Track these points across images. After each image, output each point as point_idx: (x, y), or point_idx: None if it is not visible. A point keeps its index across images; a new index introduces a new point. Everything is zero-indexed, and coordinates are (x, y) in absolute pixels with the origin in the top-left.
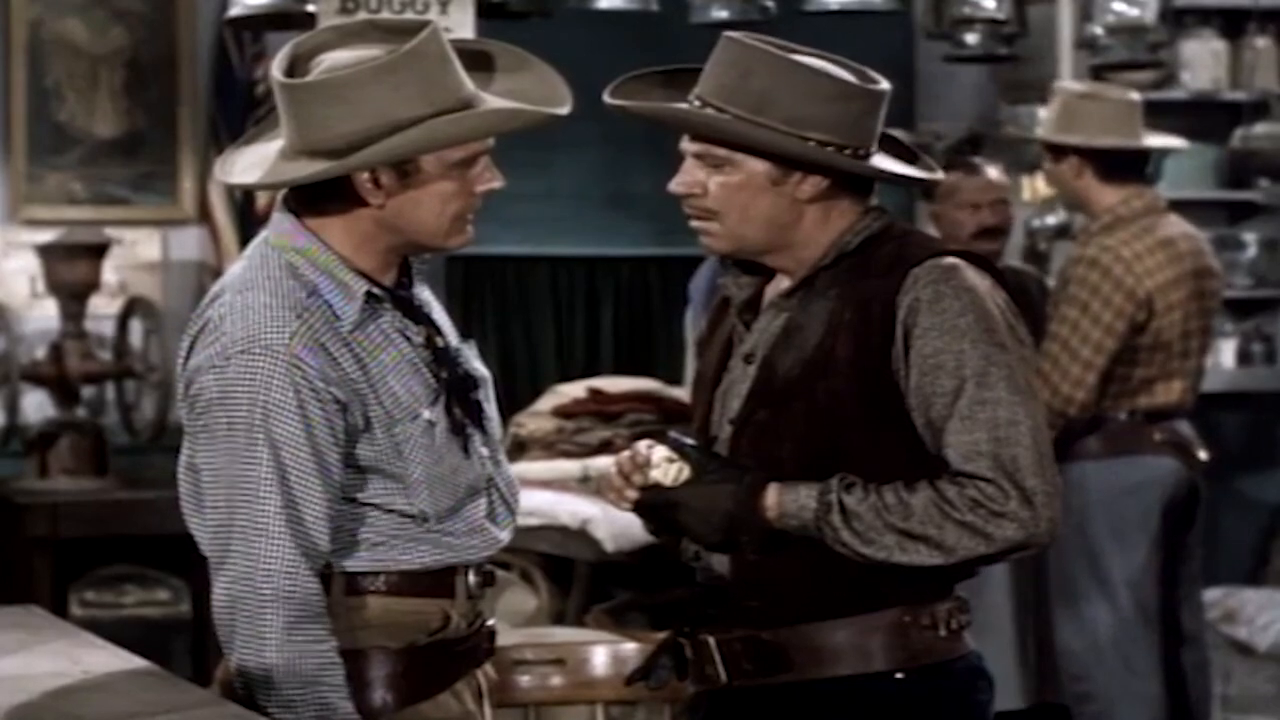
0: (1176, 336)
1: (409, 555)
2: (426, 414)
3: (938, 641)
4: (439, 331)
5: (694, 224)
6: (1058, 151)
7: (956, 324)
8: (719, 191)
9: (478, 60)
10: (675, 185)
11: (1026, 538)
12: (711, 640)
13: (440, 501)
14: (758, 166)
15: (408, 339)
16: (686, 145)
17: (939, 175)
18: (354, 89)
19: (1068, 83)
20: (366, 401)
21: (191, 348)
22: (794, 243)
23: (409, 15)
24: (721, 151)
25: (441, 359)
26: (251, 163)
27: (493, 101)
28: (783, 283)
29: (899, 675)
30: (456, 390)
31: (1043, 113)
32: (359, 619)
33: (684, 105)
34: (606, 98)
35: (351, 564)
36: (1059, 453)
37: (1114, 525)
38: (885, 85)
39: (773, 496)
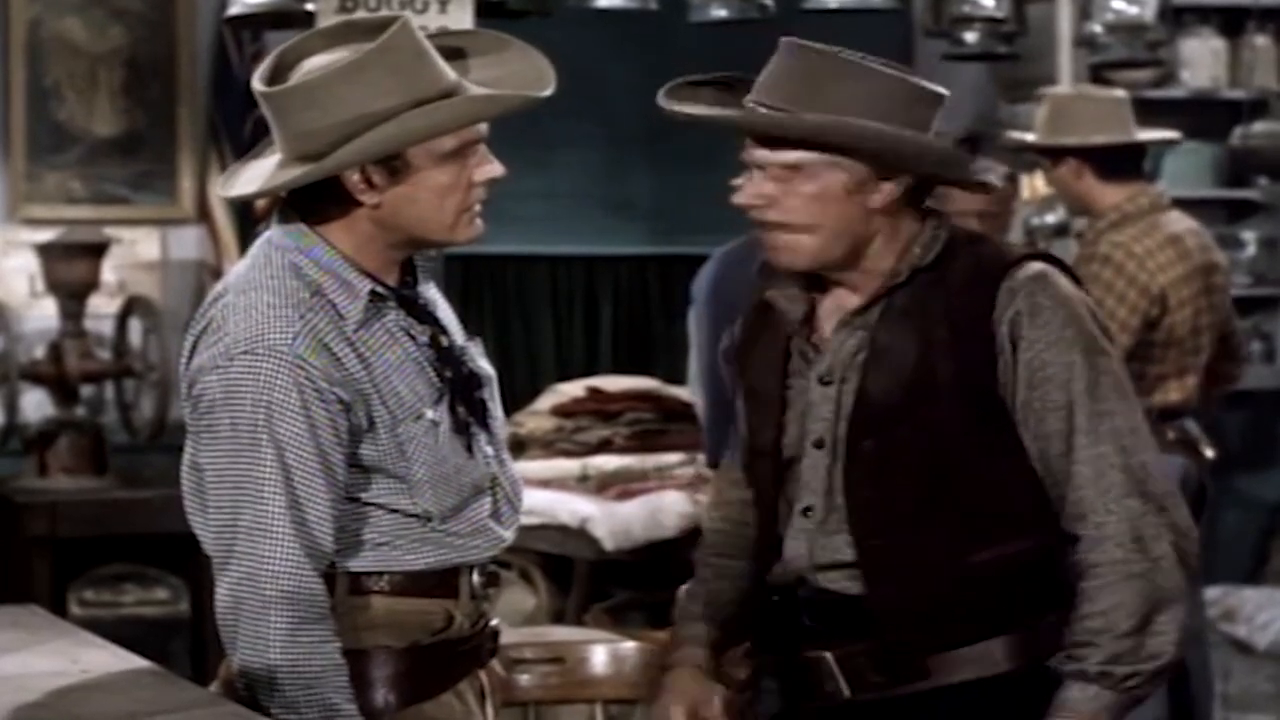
0: (1188, 333)
1: (413, 555)
2: (430, 414)
3: (1058, 639)
4: (444, 330)
5: (766, 238)
6: (1054, 155)
7: (1063, 336)
8: (792, 203)
9: (463, 50)
10: (742, 199)
11: (1188, 546)
12: (829, 656)
13: (444, 501)
14: (836, 175)
15: (412, 338)
16: (754, 155)
17: (994, 180)
18: (326, 90)
19: (1054, 88)
20: (370, 401)
21: (194, 348)
22: (866, 255)
23: (407, 14)
24: (792, 157)
25: (446, 358)
26: (253, 176)
27: (472, 90)
28: (848, 299)
29: (1026, 673)
30: (460, 389)
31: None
32: (363, 619)
33: (768, 111)
34: (666, 104)
35: (355, 564)
36: None
37: None
38: (943, 90)
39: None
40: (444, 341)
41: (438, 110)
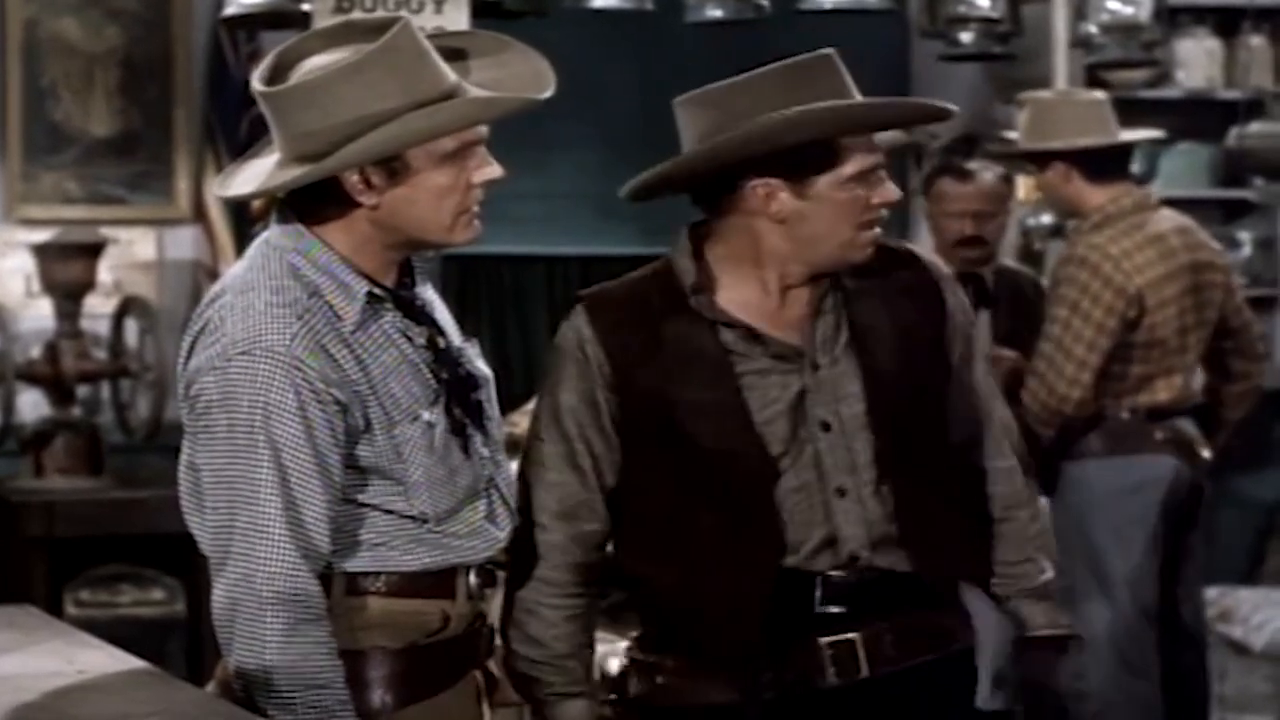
0: (1172, 333)
1: (409, 556)
2: (426, 415)
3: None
4: (441, 332)
5: (872, 236)
6: (1040, 160)
7: (966, 301)
8: None
9: (463, 51)
10: (894, 195)
11: None
12: (857, 637)
13: (440, 503)
14: None
15: (409, 340)
16: (878, 157)
17: None
18: (326, 91)
19: (1034, 92)
20: (367, 403)
21: (192, 348)
22: None
23: (403, 15)
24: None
25: (443, 360)
26: (250, 176)
27: (473, 92)
28: (787, 295)
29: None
30: (457, 391)
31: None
32: (359, 619)
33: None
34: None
35: (352, 564)
36: (1060, 451)
37: (1115, 524)
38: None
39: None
40: (441, 343)
41: (439, 111)
